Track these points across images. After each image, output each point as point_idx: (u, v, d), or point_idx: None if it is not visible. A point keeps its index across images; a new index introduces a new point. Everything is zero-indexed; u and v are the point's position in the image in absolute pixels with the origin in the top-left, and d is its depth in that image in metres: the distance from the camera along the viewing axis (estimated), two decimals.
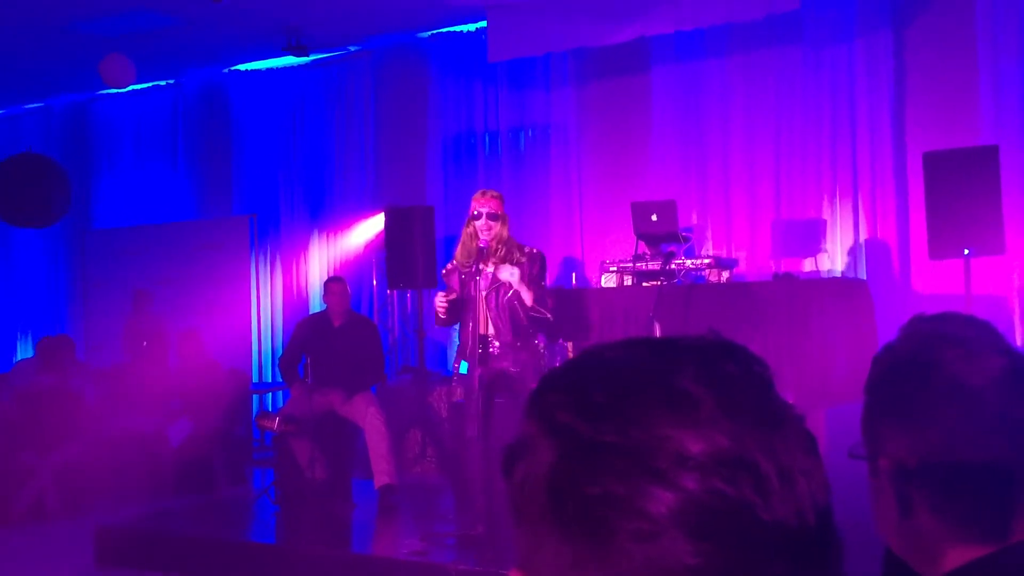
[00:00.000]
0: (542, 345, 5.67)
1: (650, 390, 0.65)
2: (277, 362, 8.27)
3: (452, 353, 9.58)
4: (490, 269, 5.47)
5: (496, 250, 5.43)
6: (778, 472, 0.63)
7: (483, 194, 5.52)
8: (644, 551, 0.61)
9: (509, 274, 5.38)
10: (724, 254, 8.07)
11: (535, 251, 5.65)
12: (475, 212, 5.44)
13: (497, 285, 5.49)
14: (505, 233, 5.48)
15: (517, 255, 5.51)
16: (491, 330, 5.52)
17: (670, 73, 8.82)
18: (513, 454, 0.70)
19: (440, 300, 5.52)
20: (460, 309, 5.55)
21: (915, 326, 1.30)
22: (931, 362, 1.23)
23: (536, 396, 0.70)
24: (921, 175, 6.68)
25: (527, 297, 5.43)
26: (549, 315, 5.49)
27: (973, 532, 1.20)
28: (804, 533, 0.63)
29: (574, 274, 8.77)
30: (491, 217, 5.40)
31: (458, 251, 5.62)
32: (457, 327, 5.75)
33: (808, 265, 8.17)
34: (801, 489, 0.64)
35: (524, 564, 0.68)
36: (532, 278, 5.49)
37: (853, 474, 1.60)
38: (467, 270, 5.50)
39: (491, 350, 5.46)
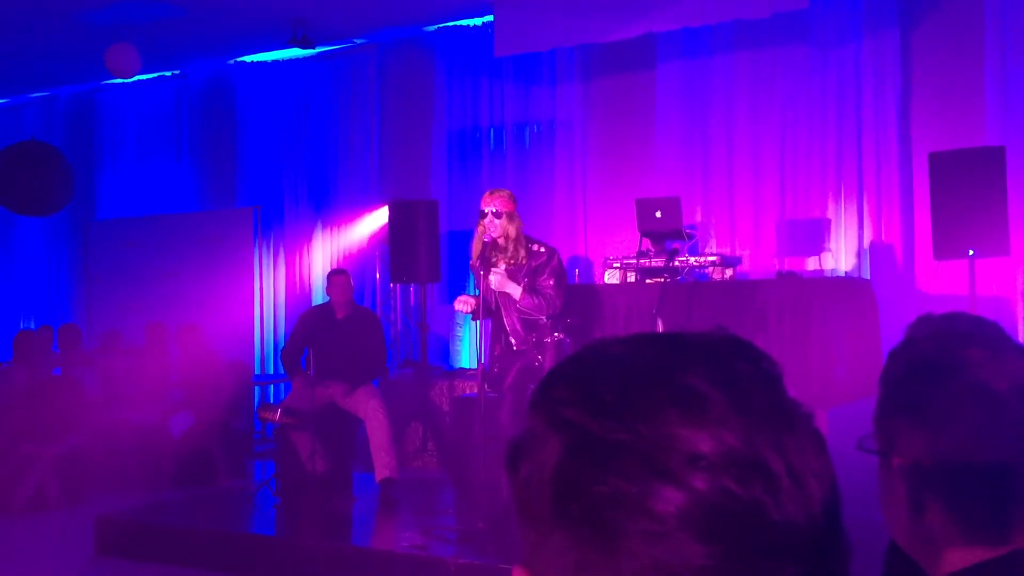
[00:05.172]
0: (561, 337, 5.66)
1: (660, 388, 0.63)
2: (279, 354, 8.27)
3: (457, 348, 9.65)
4: (501, 268, 5.57)
5: (505, 248, 5.57)
6: (789, 472, 0.62)
7: (490, 193, 5.68)
8: (652, 552, 0.60)
9: (494, 281, 5.53)
10: (728, 252, 8.05)
11: (541, 249, 5.68)
12: (481, 211, 5.60)
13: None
14: (512, 231, 5.57)
15: (523, 253, 5.59)
16: (507, 326, 5.66)
17: (676, 70, 8.79)
18: (518, 450, 0.68)
19: (460, 306, 5.70)
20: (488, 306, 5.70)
21: (931, 324, 1.28)
22: (955, 363, 1.21)
23: (541, 391, 0.68)
24: (926, 175, 6.67)
25: (515, 294, 5.51)
26: (543, 316, 5.54)
27: (979, 535, 1.19)
28: (814, 534, 0.62)
29: (577, 270, 8.76)
30: (496, 215, 5.55)
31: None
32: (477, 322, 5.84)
33: (812, 264, 8.15)
34: (812, 489, 0.63)
35: (528, 562, 0.67)
36: (530, 271, 5.55)
37: (855, 472, 1.59)
38: (476, 268, 5.67)
39: (512, 346, 5.63)
